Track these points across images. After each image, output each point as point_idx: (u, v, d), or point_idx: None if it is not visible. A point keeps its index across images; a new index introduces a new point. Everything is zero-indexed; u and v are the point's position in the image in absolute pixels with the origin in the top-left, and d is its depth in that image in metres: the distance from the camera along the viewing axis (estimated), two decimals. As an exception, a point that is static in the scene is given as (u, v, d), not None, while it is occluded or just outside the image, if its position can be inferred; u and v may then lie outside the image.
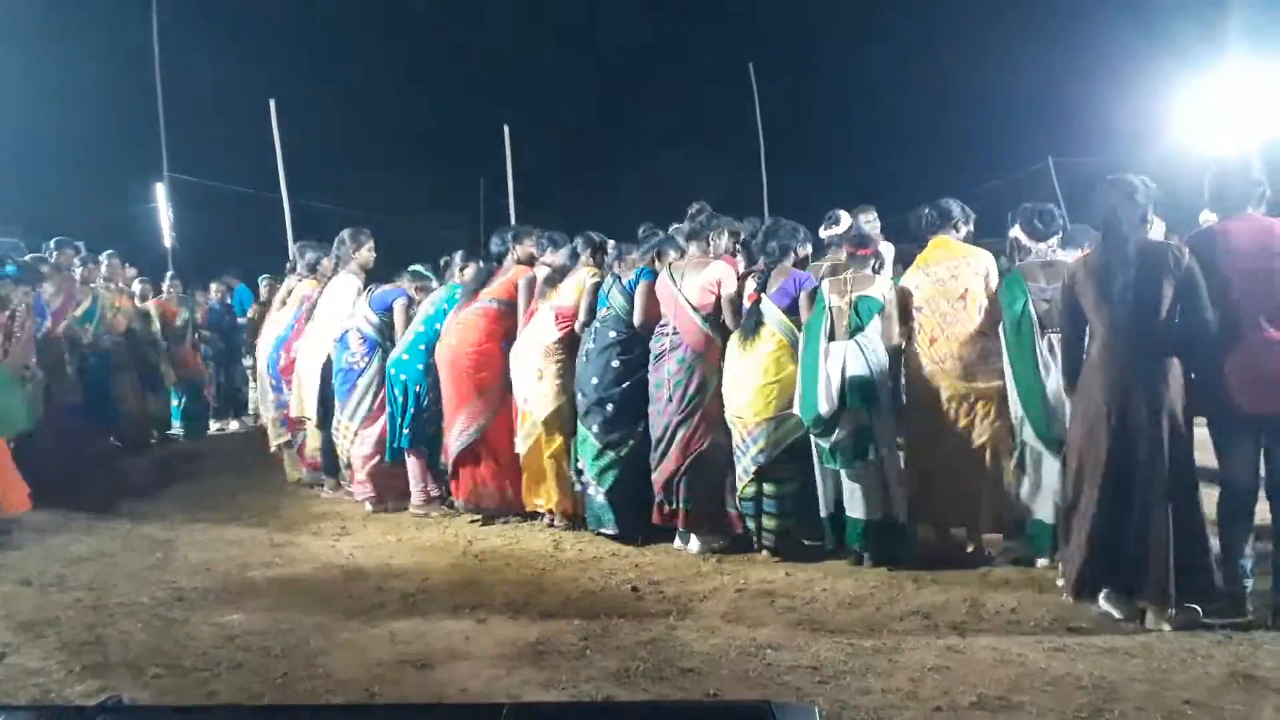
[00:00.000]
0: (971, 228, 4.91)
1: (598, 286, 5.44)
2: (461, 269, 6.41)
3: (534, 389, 5.46)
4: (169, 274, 10.48)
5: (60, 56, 14.93)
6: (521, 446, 5.58)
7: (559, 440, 5.47)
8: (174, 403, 9.82)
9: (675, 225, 5.91)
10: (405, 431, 5.96)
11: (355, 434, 6.20)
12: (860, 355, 4.46)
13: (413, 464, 6.07)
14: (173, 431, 9.81)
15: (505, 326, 5.79)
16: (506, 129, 12.87)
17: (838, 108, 19.04)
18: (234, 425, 10.53)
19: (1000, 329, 4.46)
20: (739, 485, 4.81)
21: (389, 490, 6.19)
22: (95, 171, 16.03)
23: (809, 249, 5.22)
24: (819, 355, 4.49)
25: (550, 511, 5.57)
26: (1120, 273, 3.63)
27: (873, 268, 4.86)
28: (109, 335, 8.38)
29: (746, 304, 4.89)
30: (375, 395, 6.16)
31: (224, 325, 10.60)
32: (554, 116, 18.87)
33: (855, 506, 4.55)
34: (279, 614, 4.22)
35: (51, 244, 8.26)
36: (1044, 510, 4.35)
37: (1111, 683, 3.16)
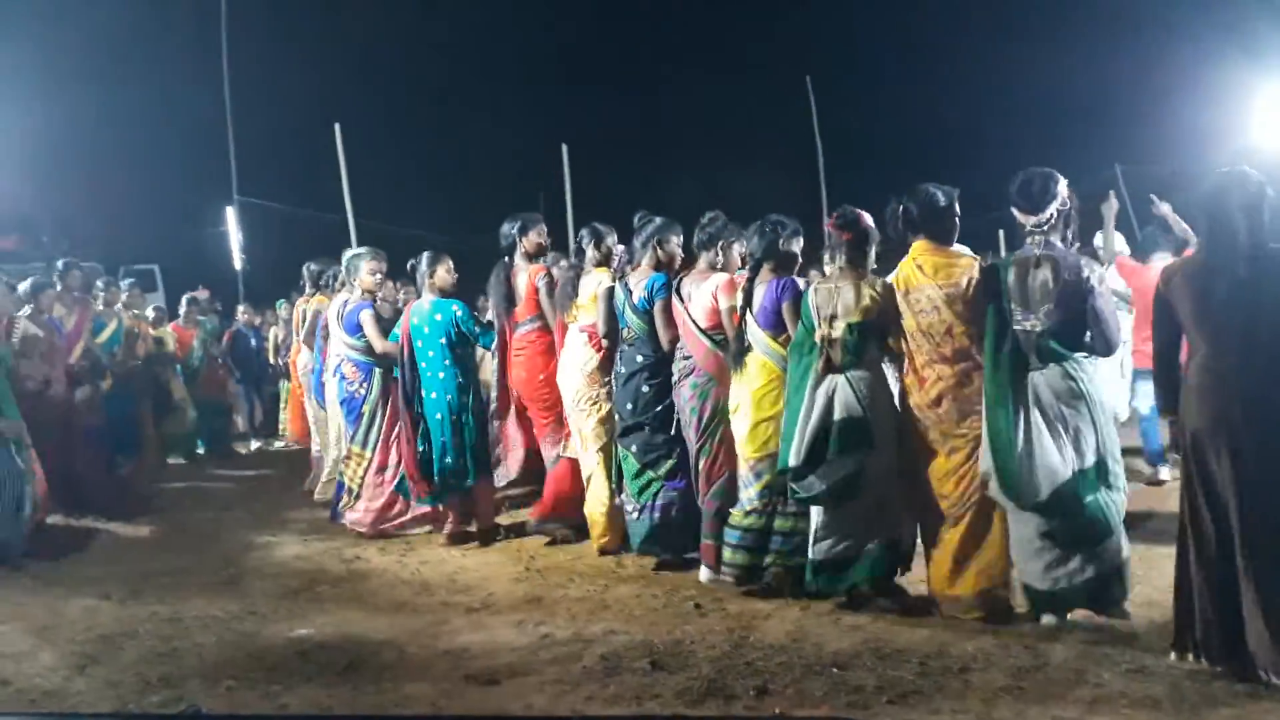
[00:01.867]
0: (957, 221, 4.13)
1: (609, 294, 5.18)
2: (430, 272, 5.84)
3: (585, 420, 5.27)
4: (185, 299, 10.56)
5: (135, 88, 15.48)
6: (587, 470, 5.37)
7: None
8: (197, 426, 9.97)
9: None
10: (469, 466, 5.69)
11: (370, 460, 6.03)
12: (850, 391, 4.02)
13: (482, 491, 5.85)
14: (200, 452, 9.99)
15: (554, 339, 5.66)
16: (565, 148, 13.00)
17: (896, 118, 18.86)
18: (278, 444, 10.79)
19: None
20: (734, 514, 4.51)
21: (388, 518, 5.98)
22: (169, 197, 16.57)
23: (798, 245, 4.64)
24: (803, 395, 4.09)
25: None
26: (1227, 280, 3.16)
27: (862, 255, 4.23)
28: (131, 360, 8.59)
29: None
30: (383, 418, 6.01)
31: (250, 351, 10.88)
32: (611, 132, 19.01)
33: (844, 542, 4.11)
34: (347, 628, 4.28)
35: (59, 265, 8.18)
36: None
37: (1193, 704, 3.05)
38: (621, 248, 5.56)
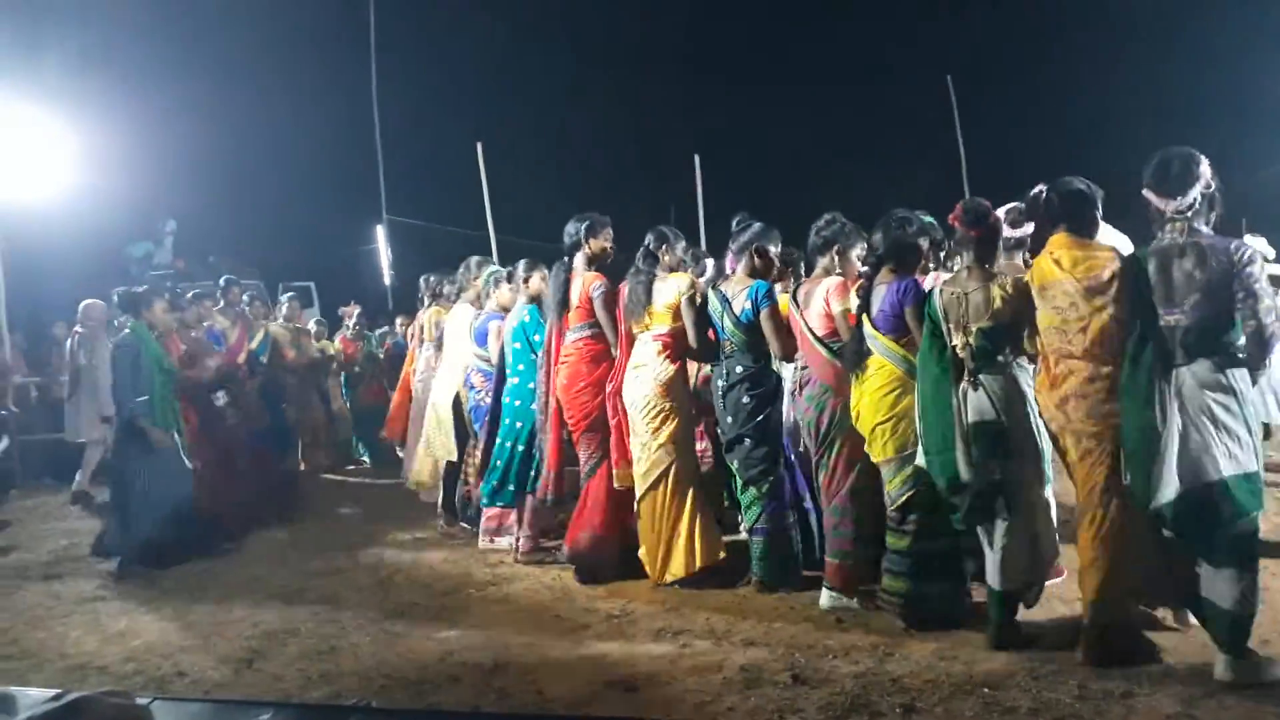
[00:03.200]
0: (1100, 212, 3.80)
1: (693, 302, 4.93)
2: (525, 279, 5.87)
3: (650, 437, 4.95)
4: (355, 312, 11.05)
5: (291, 114, 16.40)
6: (640, 489, 5.01)
7: (689, 490, 4.96)
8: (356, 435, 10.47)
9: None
10: (513, 478, 5.66)
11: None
12: (984, 397, 3.80)
13: (526, 509, 5.68)
14: (363, 459, 10.41)
15: (604, 349, 5.35)
16: (697, 158, 13.05)
17: (1041, 118, 18.10)
18: None
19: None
20: (889, 537, 4.22)
21: (508, 526, 5.94)
22: (324, 218, 17.45)
23: (925, 244, 4.42)
24: (946, 402, 3.83)
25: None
26: None
27: (991, 253, 3.99)
28: (286, 369, 9.21)
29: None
30: None
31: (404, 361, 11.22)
32: (746, 139, 18.98)
33: (992, 575, 3.84)
34: (492, 632, 4.39)
35: (221, 282, 8.93)
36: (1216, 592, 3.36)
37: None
38: (710, 261, 5.39)
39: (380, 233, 14.88)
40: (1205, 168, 3.43)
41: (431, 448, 6.66)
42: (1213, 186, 3.44)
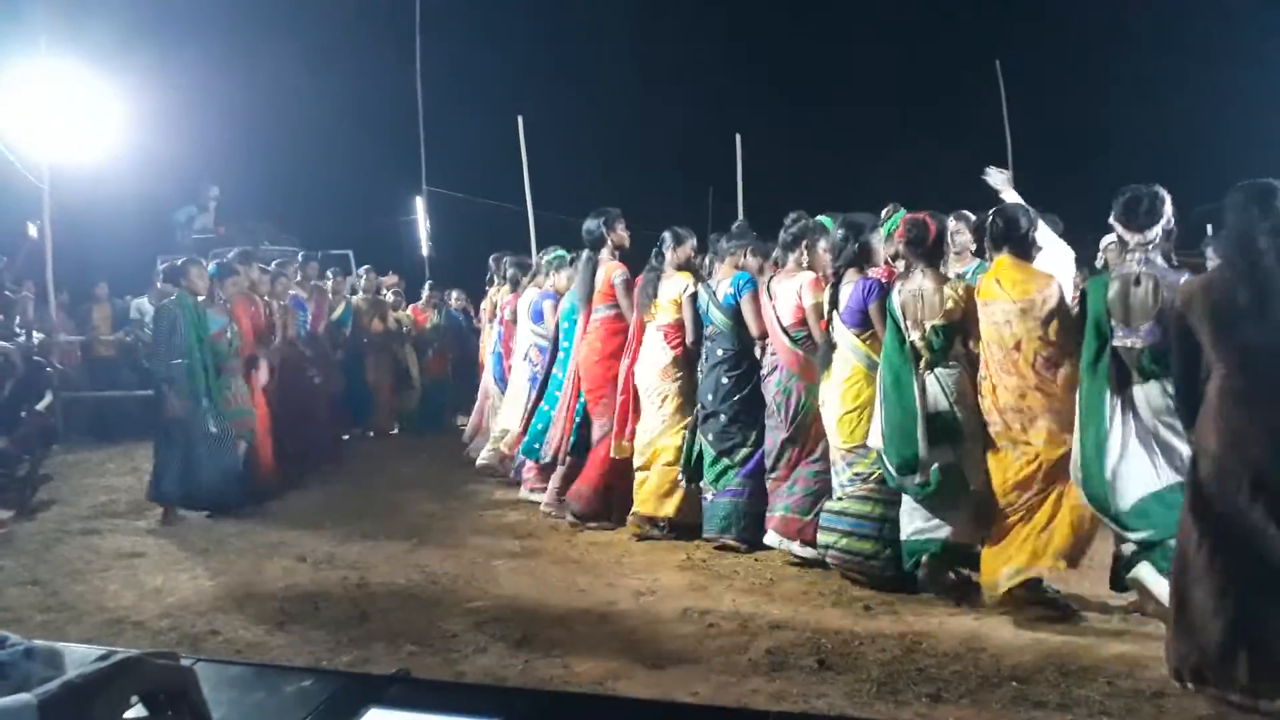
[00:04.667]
0: (1038, 237, 4.27)
1: (694, 298, 5.50)
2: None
3: (655, 411, 5.60)
4: (427, 282, 11.38)
5: (332, 83, 16.45)
6: (639, 460, 5.67)
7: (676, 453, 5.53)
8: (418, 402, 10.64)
9: (714, 234, 6.02)
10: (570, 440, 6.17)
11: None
12: (938, 389, 4.25)
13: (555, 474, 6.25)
14: (422, 429, 10.54)
15: (623, 327, 5.99)
16: (739, 137, 12.93)
17: (1087, 103, 17.72)
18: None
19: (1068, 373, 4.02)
20: (829, 501, 4.71)
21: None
22: (363, 186, 17.53)
23: (878, 241, 4.81)
24: (901, 393, 4.27)
25: (667, 520, 5.55)
26: (1246, 297, 3.05)
27: (938, 258, 4.48)
28: (365, 337, 9.67)
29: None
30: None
31: (463, 332, 11.30)
32: (787, 121, 18.77)
33: (945, 531, 4.27)
34: (520, 604, 4.43)
35: (299, 258, 9.30)
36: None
37: None
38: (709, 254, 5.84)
39: (419, 204, 14.93)
40: (1168, 206, 3.83)
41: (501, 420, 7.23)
42: (1172, 222, 3.84)
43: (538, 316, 6.86)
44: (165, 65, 13.08)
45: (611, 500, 5.86)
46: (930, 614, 4.12)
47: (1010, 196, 5.04)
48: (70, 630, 4.17)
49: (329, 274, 9.64)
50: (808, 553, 4.83)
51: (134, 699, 0.86)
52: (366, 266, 10.74)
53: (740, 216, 12.68)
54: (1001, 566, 4.10)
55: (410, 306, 10.80)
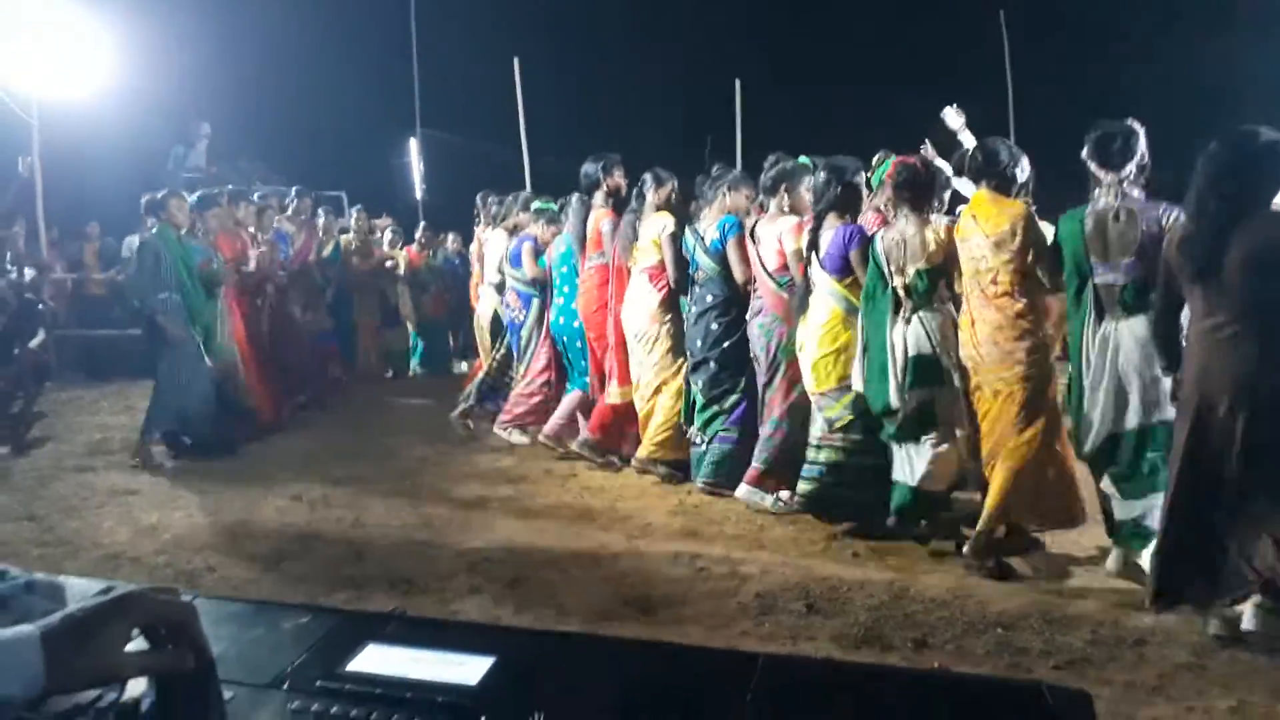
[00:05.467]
0: (1025, 176, 4.19)
1: (675, 238, 5.45)
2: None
3: (646, 355, 5.61)
4: (421, 224, 11.30)
5: (326, 19, 16.14)
6: (639, 405, 5.73)
7: (677, 396, 5.57)
8: (415, 344, 10.63)
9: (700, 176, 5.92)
10: (581, 379, 6.30)
11: (523, 377, 6.70)
12: (921, 332, 4.22)
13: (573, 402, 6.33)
14: (414, 369, 10.56)
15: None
16: (738, 83, 12.74)
17: (1091, 55, 17.50)
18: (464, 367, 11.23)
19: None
20: (809, 450, 4.70)
21: (525, 425, 6.58)
22: (357, 126, 17.30)
23: (860, 182, 4.80)
24: (884, 337, 4.27)
25: (667, 464, 5.62)
26: (1210, 242, 3.10)
27: (926, 202, 4.36)
28: (352, 276, 9.60)
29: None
30: (538, 341, 6.60)
31: (459, 277, 11.25)
32: (789, 69, 18.52)
33: (916, 476, 4.27)
34: (513, 546, 4.48)
35: (292, 192, 9.18)
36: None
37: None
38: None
39: (414, 146, 14.76)
40: (1142, 142, 3.75)
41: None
42: (1146, 157, 3.76)
43: (515, 260, 6.79)
44: (156, 1, 12.82)
45: (620, 439, 5.94)
46: (919, 562, 4.17)
47: (966, 138, 5.08)
48: (67, 565, 4.21)
49: (320, 212, 9.56)
50: (768, 502, 4.91)
51: (135, 632, 0.87)
52: (358, 206, 10.67)
53: (739, 163, 12.58)
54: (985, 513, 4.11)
55: (405, 247, 10.73)
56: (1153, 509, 3.66)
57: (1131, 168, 3.72)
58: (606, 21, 18.89)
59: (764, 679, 0.91)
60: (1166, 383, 3.61)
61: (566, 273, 6.31)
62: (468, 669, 0.95)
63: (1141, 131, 3.75)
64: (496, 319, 7.24)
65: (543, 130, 11.43)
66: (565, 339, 6.35)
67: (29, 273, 8.35)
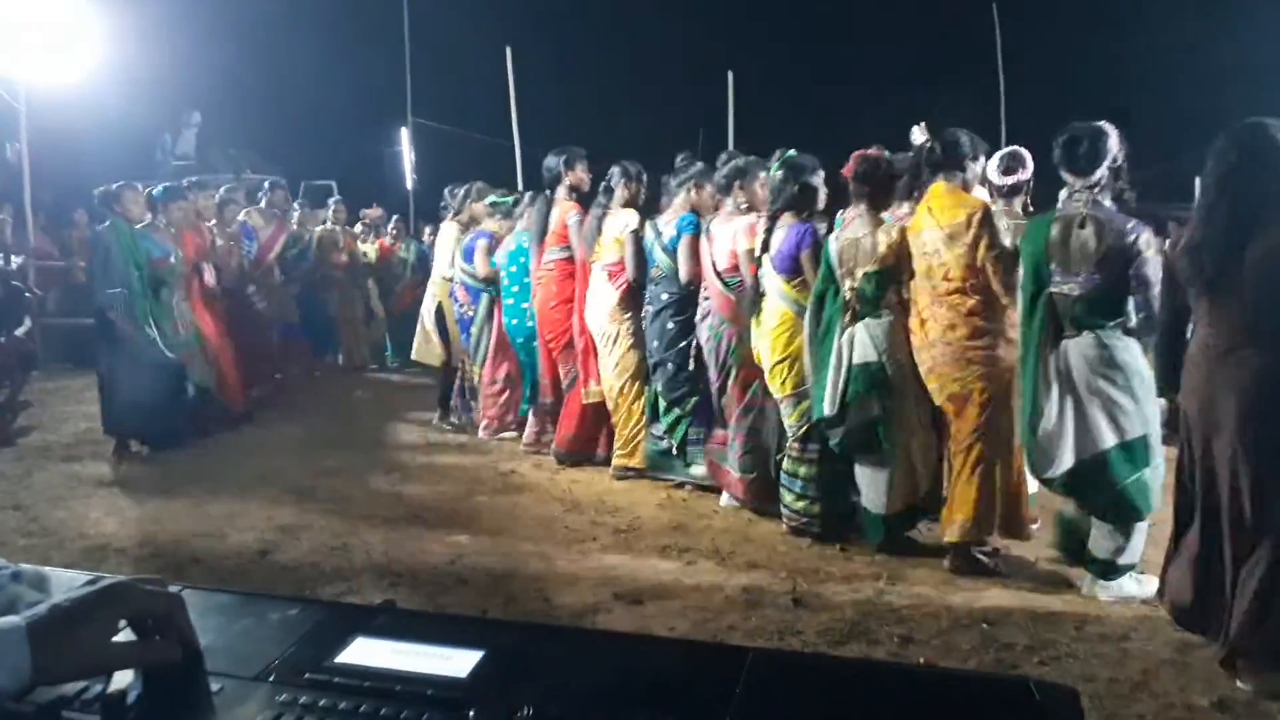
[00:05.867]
0: (983, 169, 4.10)
1: (637, 235, 5.30)
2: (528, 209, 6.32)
3: (607, 356, 5.45)
4: (394, 216, 11.26)
5: (318, 6, 16.08)
6: (610, 404, 5.58)
7: (639, 395, 5.45)
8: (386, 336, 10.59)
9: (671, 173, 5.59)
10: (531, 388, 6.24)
11: (479, 374, 6.68)
12: (866, 338, 4.06)
13: (532, 414, 6.32)
14: (389, 360, 10.49)
15: (574, 269, 5.82)
16: (730, 75, 12.73)
17: (1082, 45, 17.54)
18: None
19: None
20: (785, 461, 4.54)
21: (507, 423, 6.59)
22: (347, 116, 17.24)
23: (818, 181, 4.56)
24: (830, 344, 4.13)
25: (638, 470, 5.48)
26: (1216, 251, 2.88)
27: (885, 201, 4.27)
28: (325, 269, 9.40)
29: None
30: (489, 336, 6.50)
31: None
32: (782, 62, 18.55)
33: (872, 500, 4.18)
34: (501, 539, 4.48)
35: (266, 184, 9.08)
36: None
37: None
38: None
39: (405, 135, 14.71)
40: (1113, 143, 3.53)
41: (419, 354, 7.19)
42: (1119, 160, 3.54)
43: (468, 255, 6.53)
44: (145, -14, 12.74)
45: (597, 437, 5.82)
46: (905, 559, 4.18)
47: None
48: (53, 556, 4.19)
49: (296, 205, 9.47)
50: (726, 500, 4.92)
51: (122, 623, 0.87)
52: (337, 198, 10.58)
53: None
54: (947, 524, 3.99)
55: (377, 240, 10.71)
56: (1136, 544, 3.58)
57: (1102, 172, 3.51)
58: (600, 12, 18.86)
59: (753, 673, 0.91)
60: (1150, 402, 3.49)
61: (516, 271, 6.14)
62: (457, 662, 0.94)
63: (1113, 133, 3.55)
64: (440, 313, 6.93)
65: (535, 120, 11.40)
66: (519, 341, 6.22)
67: (15, 260, 8.28)
